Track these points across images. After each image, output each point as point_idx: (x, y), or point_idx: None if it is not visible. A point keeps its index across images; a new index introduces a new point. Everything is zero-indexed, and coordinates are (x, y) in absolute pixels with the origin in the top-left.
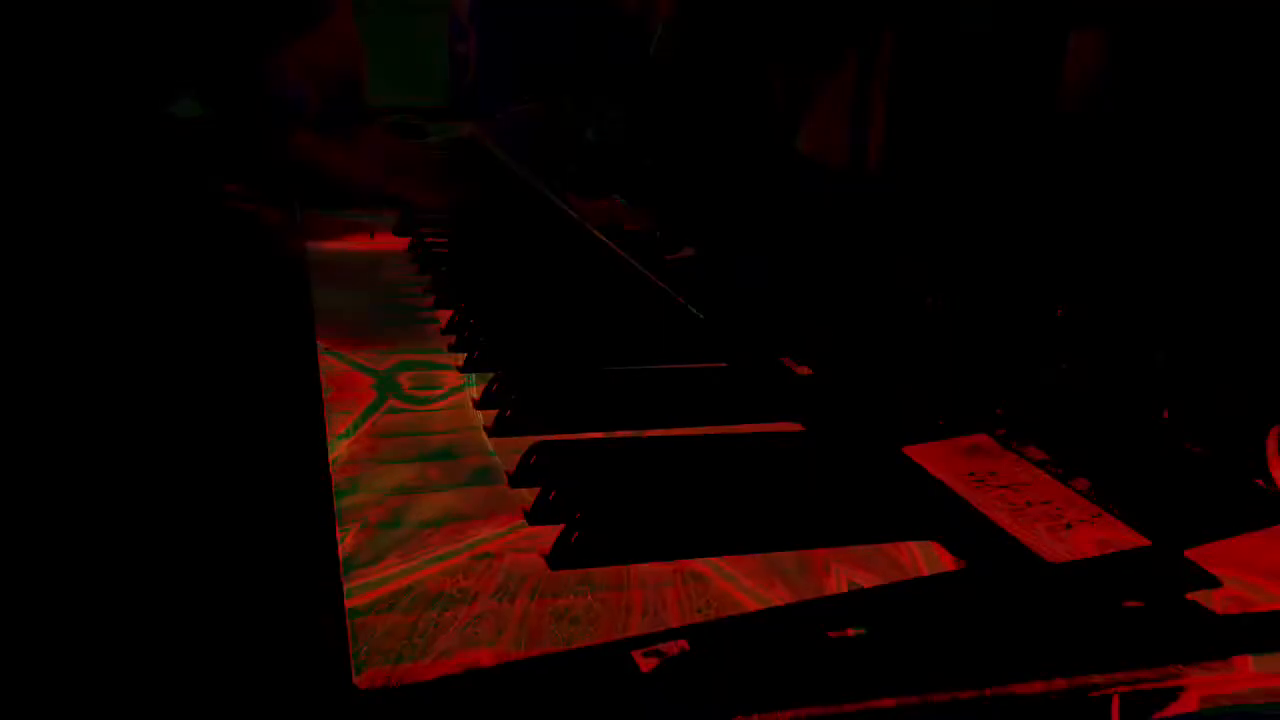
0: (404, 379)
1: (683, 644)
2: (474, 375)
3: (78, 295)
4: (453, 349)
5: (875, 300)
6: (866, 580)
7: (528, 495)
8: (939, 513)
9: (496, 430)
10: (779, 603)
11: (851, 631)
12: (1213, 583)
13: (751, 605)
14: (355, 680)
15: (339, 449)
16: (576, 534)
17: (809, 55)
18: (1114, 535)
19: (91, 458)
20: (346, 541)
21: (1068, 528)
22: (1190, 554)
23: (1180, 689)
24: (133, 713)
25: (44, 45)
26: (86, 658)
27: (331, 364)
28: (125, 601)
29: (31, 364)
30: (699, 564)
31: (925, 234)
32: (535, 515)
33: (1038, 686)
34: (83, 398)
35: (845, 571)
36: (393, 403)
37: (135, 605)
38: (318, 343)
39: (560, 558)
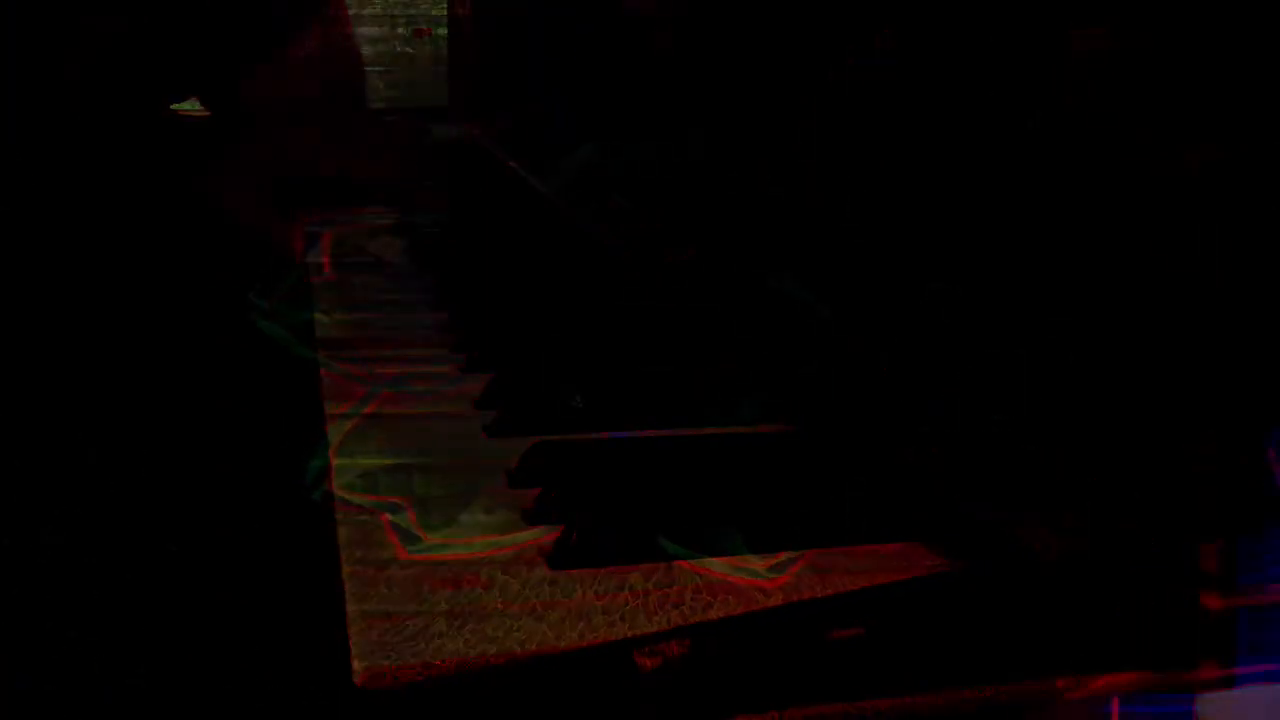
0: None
1: (684, 644)
2: None
3: (76, 301)
4: (453, 349)
5: (873, 294)
6: (867, 580)
7: None
8: (937, 512)
9: (495, 431)
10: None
11: (851, 631)
12: (1213, 583)
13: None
14: (355, 680)
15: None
16: (576, 534)
17: (809, 55)
18: (1114, 535)
19: (95, 461)
20: None
21: (1067, 527)
22: (1190, 554)
23: (1180, 688)
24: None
25: (46, 46)
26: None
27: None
28: (126, 600)
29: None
30: None
31: (922, 230)
32: (534, 516)
33: (1037, 686)
34: (81, 401)
35: (846, 571)
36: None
37: (137, 604)
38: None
39: (560, 558)
